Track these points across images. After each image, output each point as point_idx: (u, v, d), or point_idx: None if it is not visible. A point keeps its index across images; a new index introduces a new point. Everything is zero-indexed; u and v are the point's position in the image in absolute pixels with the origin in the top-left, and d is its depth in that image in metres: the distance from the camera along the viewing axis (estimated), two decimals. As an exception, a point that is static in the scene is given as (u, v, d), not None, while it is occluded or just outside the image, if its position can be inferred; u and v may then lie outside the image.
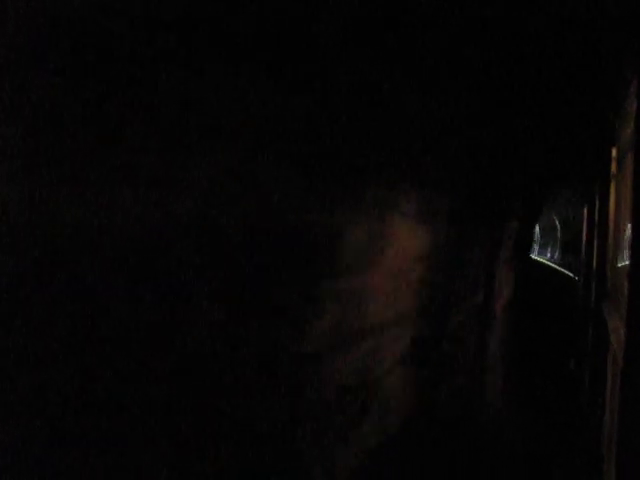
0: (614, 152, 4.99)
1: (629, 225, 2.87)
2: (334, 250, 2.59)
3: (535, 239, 17.94)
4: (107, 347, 1.50)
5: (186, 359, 1.75)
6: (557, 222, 17.02)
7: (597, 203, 6.95)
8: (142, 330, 1.60)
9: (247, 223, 1.97)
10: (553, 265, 15.34)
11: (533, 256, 14.87)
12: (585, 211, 10.53)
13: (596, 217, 7.16)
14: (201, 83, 1.74)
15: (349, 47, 2.51)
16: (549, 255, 18.36)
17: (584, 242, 10.06)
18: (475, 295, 6.10)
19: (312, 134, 2.35)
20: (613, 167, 5.05)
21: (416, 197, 3.63)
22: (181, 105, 1.67)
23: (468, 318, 5.85)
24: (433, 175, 4.01)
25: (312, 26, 2.23)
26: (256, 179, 1.99)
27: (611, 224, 5.09)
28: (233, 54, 1.87)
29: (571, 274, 13.50)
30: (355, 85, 2.64)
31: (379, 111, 2.97)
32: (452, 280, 4.94)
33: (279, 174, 2.13)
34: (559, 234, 17.24)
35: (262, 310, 2.11)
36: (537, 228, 17.46)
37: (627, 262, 2.94)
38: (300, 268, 2.32)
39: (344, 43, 2.45)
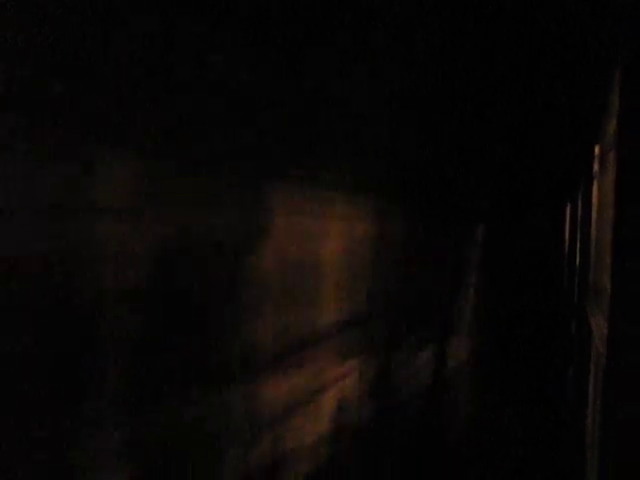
0: (597, 150, 5.01)
1: (611, 223, 2.87)
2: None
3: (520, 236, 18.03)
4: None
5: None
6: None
7: (580, 201, 6.99)
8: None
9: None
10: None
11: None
12: (568, 209, 10.59)
13: (579, 215, 7.19)
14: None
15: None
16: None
17: (567, 239, 10.11)
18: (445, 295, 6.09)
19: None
20: (596, 165, 5.07)
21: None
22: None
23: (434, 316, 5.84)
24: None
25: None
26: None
27: (594, 222, 5.11)
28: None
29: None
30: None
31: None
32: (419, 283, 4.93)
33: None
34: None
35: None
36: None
37: (609, 260, 2.94)
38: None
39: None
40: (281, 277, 2.34)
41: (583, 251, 6.16)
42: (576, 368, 6.08)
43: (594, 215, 5.10)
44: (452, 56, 4.11)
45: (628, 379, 2.64)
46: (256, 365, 2.17)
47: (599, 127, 4.73)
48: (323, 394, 2.82)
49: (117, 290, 1.52)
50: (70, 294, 1.40)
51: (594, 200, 5.16)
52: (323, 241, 2.72)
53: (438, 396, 5.43)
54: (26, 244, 1.28)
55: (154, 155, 1.61)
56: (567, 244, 10.04)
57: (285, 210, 2.31)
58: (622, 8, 3.13)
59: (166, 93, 1.64)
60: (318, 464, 2.76)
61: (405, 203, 4.15)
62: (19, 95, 1.25)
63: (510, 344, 10.50)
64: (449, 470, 5.73)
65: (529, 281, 12.45)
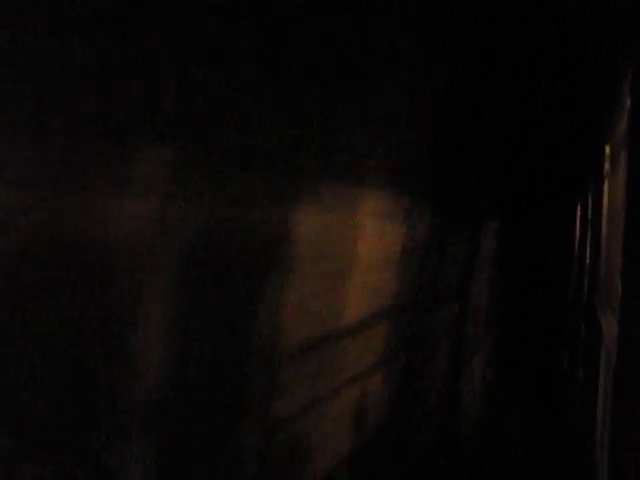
0: (608, 150, 4.99)
1: (623, 223, 2.87)
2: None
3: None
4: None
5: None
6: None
7: (590, 201, 6.97)
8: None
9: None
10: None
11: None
12: (578, 209, 10.55)
13: (589, 214, 7.17)
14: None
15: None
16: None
17: (577, 239, 10.08)
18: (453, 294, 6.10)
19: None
20: (607, 165, 5.05)
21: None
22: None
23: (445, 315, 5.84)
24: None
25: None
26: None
27: (604, 221, 5.09)
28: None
29: None
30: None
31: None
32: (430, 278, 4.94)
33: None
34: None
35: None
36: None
37: (620, 260, 2.94)
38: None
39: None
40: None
41: (593, 251, 6.14)
42: (585, 368, 6.06)
43: (605, 215, 5.09)
44: (465, 58, 4.11)
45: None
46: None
47: (609, 127, 4.71)
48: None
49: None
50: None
51: (605, 200, 5.14)
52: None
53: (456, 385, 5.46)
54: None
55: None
56: (577, 244, 10.01)
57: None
58: (633, 8, 3.13)
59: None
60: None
61: (424, 202, 4.17)
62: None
63: (515, 344, 10.48)
64: (451, 468, 5.73)
65: (536, 281, 12.40)
